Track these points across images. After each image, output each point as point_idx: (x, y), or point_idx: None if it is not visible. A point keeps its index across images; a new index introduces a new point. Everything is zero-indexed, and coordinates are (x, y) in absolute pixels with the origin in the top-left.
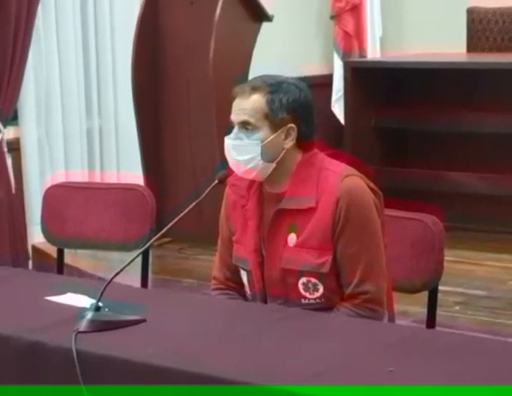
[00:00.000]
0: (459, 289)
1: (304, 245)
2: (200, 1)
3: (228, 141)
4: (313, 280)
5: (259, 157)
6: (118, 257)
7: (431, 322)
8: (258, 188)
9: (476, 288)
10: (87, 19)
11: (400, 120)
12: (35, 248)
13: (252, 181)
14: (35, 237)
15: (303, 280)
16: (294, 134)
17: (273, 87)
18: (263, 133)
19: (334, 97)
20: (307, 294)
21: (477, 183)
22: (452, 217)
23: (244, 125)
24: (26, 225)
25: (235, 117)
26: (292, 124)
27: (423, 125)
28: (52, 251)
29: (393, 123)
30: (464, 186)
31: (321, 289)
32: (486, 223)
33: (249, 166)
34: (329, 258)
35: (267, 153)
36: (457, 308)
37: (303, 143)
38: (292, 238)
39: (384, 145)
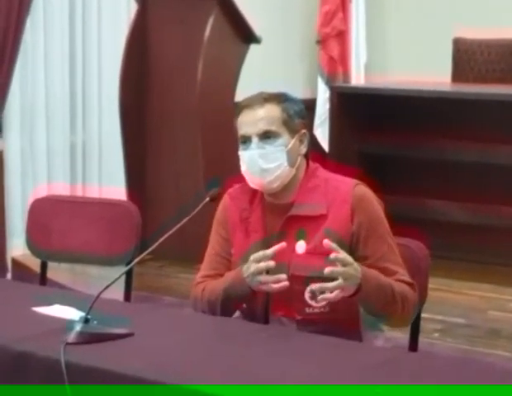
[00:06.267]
0: (439, 317)
1: (314, 251)
2: (189, 20)
3: (252, 152)
4: None
5: (286, 163)
6: (97, 272)
7: (413, 347)
8: (260, 200)
9: (455, 316)
10: (75, 35)
11: (384, 146)
12: (15, 261)
13: (254, 194)
14: (15, 249)
15: (311, 287)
16: (306, 141)
17: (283, 97)
18: (284, 139)
19: (316, 122)
20: (313, 303)
21: (458, 212)
22: (432, 245)
23: (265, 134)
24: (6, 238)
25: (251, 129)
26: (305, 130)
27: (406, 152)
28: (33, 264)
29: (376, 149)
30: (445, 214)
31: None
32: (466, 252)
33: (277, 173)
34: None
35: (291, 159)
36: (437, 335)
37: (307, 153)
38: (301, 245)
39: (367, 171)
